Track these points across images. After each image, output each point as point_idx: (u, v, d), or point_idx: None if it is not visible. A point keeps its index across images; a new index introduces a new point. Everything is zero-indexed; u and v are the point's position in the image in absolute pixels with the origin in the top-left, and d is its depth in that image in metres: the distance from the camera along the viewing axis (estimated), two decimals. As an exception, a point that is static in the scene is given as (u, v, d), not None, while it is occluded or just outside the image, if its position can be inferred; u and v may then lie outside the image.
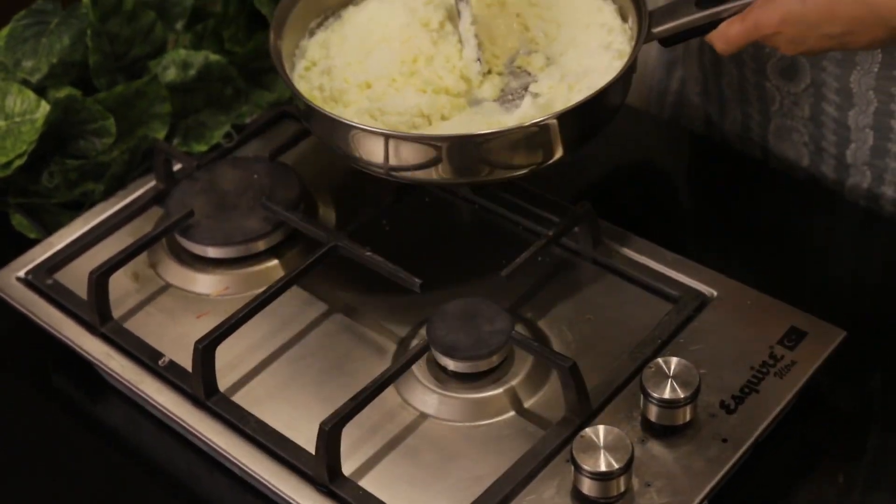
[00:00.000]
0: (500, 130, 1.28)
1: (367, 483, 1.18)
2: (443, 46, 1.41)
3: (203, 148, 1.57)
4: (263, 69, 1.63)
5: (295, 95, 1.35)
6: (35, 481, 1.31)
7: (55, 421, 1.36)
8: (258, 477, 1.21)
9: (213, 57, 1.58)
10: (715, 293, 1.33)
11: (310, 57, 1.45)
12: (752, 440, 1.19)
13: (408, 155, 1.30)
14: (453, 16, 1.43)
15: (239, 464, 1.22)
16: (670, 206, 1.56)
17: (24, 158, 1.47)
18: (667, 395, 1.18)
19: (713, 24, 1.34)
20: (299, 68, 1.44)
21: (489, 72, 1.42)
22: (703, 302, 1.32)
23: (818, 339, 1.27)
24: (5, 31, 1.55)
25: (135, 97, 1.53)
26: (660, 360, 1.20)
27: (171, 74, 1.57)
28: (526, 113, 1.36)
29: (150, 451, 1.32)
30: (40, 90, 1.52)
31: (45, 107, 1.48)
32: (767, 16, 1.29)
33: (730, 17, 1.32)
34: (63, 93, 1.50)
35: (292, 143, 1.52)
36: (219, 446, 1.24)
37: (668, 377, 1.19)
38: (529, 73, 1.43)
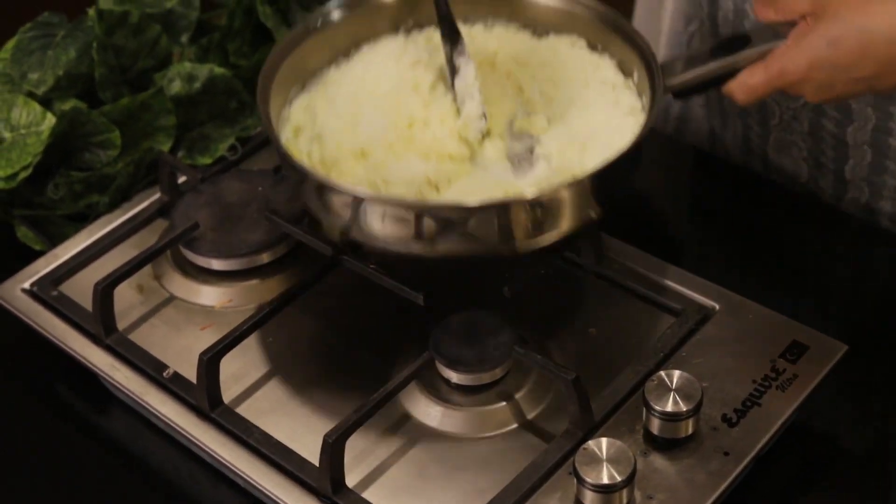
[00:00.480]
0: (550, 189, 1.21)
1: (370, 495, 1.19)
2: (436, 109, 1.35)
3: (208, 160, 1.57)
4: (268, 82, 1.63)
5: (292, 166, 1.26)
6: (39, 492, 1.31)
7: (60, 432, 1.37)
8: (262, 489, 1.21)
9: (218, 70, 1.58)
10: (717, 307, 1.33)
11: (295, 121, 1.36)
12: (753, 453, 1.20)
13: (439, 226, 1.21)
14: (444, 77, 1.37)
15: (243, 475, 1.23)
16: (673, 221, 1.57)
17: (30, 170, 1.48)
18: (669, 408, 1.19)
19: (731, 73, 1.28)
20: (286, 133, 1.35)
21: (488, 134, 1.36)
22: (705, 315, 1.33)
23: (820, 353, 1.28)
24: (12, 43, 1.56)
25: (140, 110, 1.54)
26: (662, 373, 1.20)
27: (176, 87, 1.58)
28: (541, 175, 1.31)
29: (154, 463, 1.33)
30: (46, 102, 1.53)
31: (50, 119, 1.48)
32: (794, 62, 1.24)
33: (749, 65, 1.27)
34: (68, 105, 1.50)
35: (297, 155, 1.53)
36: (223, 458, 1.24)
37: (670, 390, 1.19)
38: (531, 136, 1.37)
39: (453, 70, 1.34)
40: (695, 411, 1.19)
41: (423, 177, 1.29)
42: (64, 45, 1.55)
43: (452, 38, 1.35)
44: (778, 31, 1.27)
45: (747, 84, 1.27)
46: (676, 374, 1.20)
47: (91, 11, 1.56)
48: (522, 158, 1.34)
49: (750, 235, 1.51)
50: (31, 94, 1.52)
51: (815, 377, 1.26)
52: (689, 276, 1.36)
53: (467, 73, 1.34)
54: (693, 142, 1.77)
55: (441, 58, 1.37)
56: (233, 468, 1.23)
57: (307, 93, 1.39)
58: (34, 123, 1.49)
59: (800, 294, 1.44)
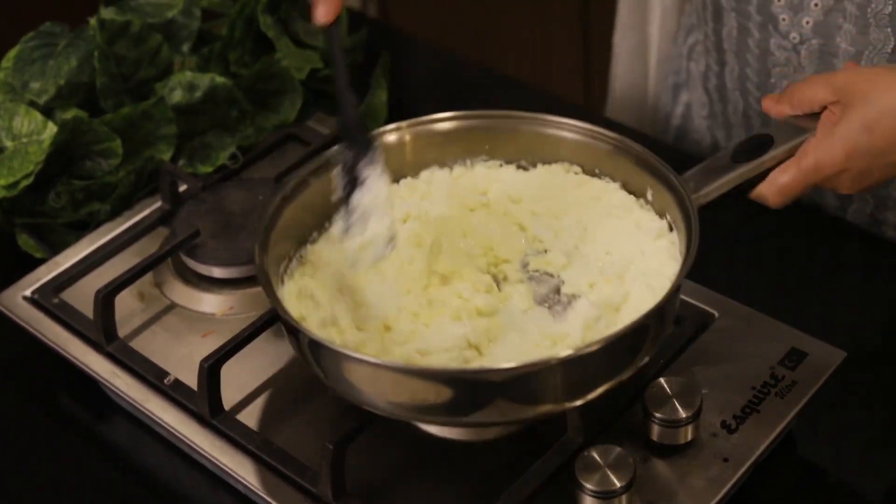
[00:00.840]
0: (615, 333, 1.12)
1: (373, 501, 1.19)
2: (449, 263, 1.29)
3: (208, 169, 1.58)
4: (269, 91, 1.64)
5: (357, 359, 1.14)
6: (41, 500, 1.31)
7: (61, 439, 1.37)
8: (263, 495, 1.21)
9: (219, 79, 1.59)
10: (717, 314, 1.34)
11: (296, 313, 1.23)
12: (752, 460, 1.20)
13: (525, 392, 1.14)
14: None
15: (244, 482, 1.23)
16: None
17: (31, 179, 1.48)
18: (669, 414, 1.19)
19: (757, 177, 1.23)
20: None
21: (504, 279, 1.31)
22: (705, 323, 1.33)
23: (819, 360, 1.28)
24: (13, 52, 1.57)
25: (141, 119, 1.54)
26: (662, 379, 1.21)
27: (177, 96, 1.58)
28: (587, 315, 1.23)
29: (155, 470, 1.33)
30: (47, 111, 1.53)
31: (51, 128, 1.49)
32: (830, 154, 1.20)
33: (776, 164, 1.23)
34: (70, 114, 1.51)
35: (297, 164, 1.53)
36: (224, 465, 1.24)
37: (670, 397, 1.20)
38: (551, 275, 1.31)
39: (353, 181, 1.23)
40: (694, 418, 1.19)
41: (462, 340, 1.22)
42: (65, 54, 1.55)
43: (360, 144, 1.25)
44: (798, 126, 1.25)
45: (780, 184, 1.22)
46: (676, 380, 1.21)
47: (92, 21, 1.57)
48: (553, 301, 1.29)
49: (750, 243, 1.52)
50: (32, 104, 1.53)
51: (814, 384, 1.26)
52: (689, 284, 1.36)
53: (378, 187, 1.23)
54: (694, 152, 1.77)
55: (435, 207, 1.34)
56: (234, 475, 1.24)
57: (292, 279, 1.28)
58: (35, 132, 1.50)
59: (799, 302, 1.44)
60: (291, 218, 1.28)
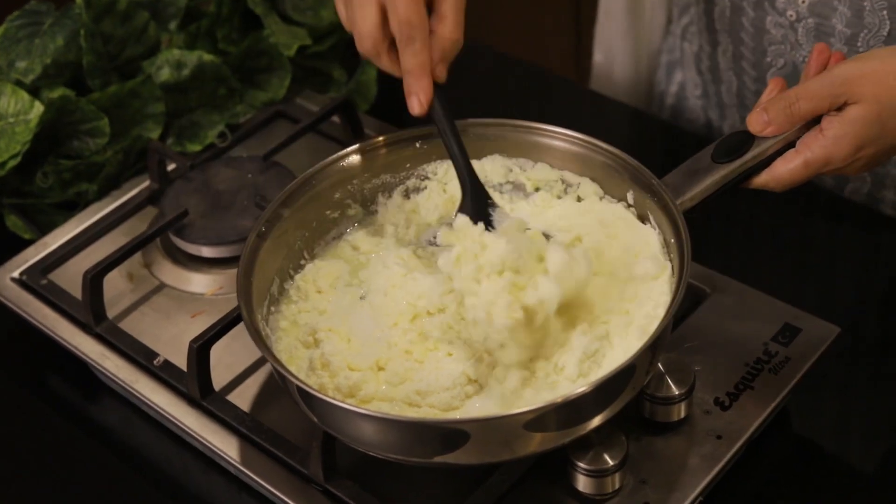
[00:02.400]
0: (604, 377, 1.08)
1: (363, 481, 1.18)
2: (431, 286, 1.24)
3: (197, 148, 1.57)
4: (257, 69, 1.63)
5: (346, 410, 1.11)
6: (29, 481, 1.31)
7: (50, 421, 1.37)
8: (254, 476, 1.21)
9: (207, 57, 1.57)
10: (709, 290, 1.33)
11: (286, 355, 1.21)
12: (746, 436, 1.20)
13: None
14: (424, 253, 1.29)
15: (234, 463, 1.22)
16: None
17: (18, 159, 1.47)
18: (662, 392, 1.18)
19: (741, 176, 1.21)
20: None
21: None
22: (698, 299, 1.32)
23: (812, 335, 1.27)
24: (-1, 31, 1.55)
25: (128, 97, 1.53)
26: (655, 356, 1.20)
27: (164, 74, 1.57)
28: (587, 347, 1.16)
29: (145, 451, 1.32)
30: (34, 91, 1.52)
31: (38, 107, 1.48)
32: (842, 150, 1.18)
33: (758, 164, 1.20)
34: (57, 93, 1.49)
35: (286, 142, 1.52)
36: (214, 446, 1.24)
37: (663, 374, 1.19)
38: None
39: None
40: (687, 395, 1.19)
41: (462, 377, 1.18)
42: (51, 33, 1.54)
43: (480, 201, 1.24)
44: None
45: (785, 176, 1.20)
46: (669, 358, 1.20)
47: (78, -1, 1.55)
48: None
49: (744, 219, 1.51)
50: (18, 83, 1.51)
51: (808, 360, 1.25)
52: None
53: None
54: (688, 130, 1.76)
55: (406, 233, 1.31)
56: (224, 456, 1.23)
57: (278, 317, 1.26)
58: (22, 112, 1.48)
59: (793, 278, 1.43)
60: (268, 255, 1.25)
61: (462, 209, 1.23)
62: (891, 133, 1.18)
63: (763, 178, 1.21)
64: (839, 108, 1.18)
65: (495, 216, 1.23)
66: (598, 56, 1.84)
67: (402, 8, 1.19)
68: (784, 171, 1.20)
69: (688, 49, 1.71)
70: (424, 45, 1.20)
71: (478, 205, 1.23)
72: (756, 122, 1.21)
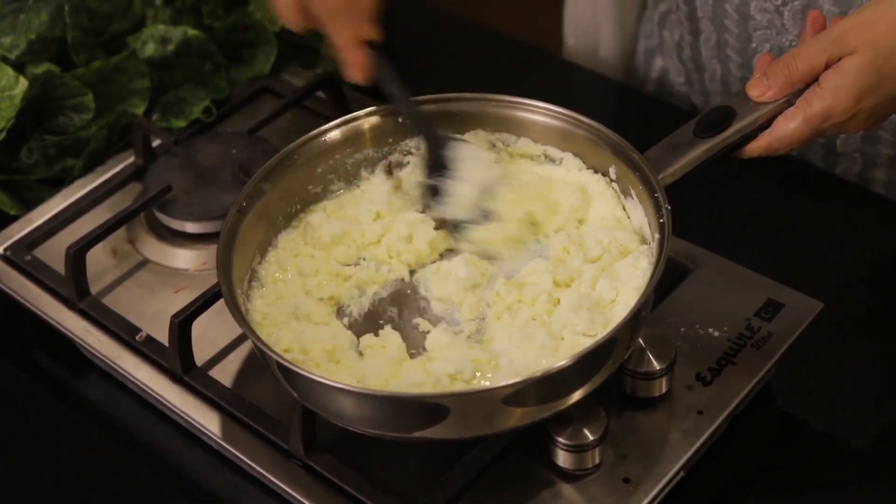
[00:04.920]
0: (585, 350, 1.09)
1: (343, 455, 1.18)
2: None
3: (182, 123, 1.56)
4: (243, 44, 1.62)
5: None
6: (13, 455, 1.31)
7: (33, 396, 1.37)
8: (235, 451, 1.21)
9: (192, 32, 1.57)
10: (692, 266, 1.33)
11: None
12: (727, 412, 1.19)
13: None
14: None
15: (216, 438, 1.22)
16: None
17: (3, 135, 1.47)
18: (643, 366, 1.18)
19: (723, 151, 1.21)
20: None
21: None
22: (680, 274, 1.32)
23: (795, 311, 1.27)
24: (-17, 7, 1.55)
25: (113, 73, 1.53)
26: (635, 332, 1.20)
27: (149, 50, 1.56)
28: (578, 303, 1.18)
29: (128, 426, 1.32)
30: (19, 66, 1.51)
31: (23, 83, 1.47)
32: (841, 102, 1.16)
33: (740, 138, 1.20)
34: (42, 69, 1.49)
35: (271, 118, 1.52)
36: (196, 421, 1.24)
37: (643, 349, 1.19)
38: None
39: (439, 170, 1.28)
40: (668, 370, 1.19)
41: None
42: (36, 8, 1.53)
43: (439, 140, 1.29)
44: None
45: (785, 134, 1.19)
46: (650, 333, 1.20)
47: (63, -26, 1.55)
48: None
49: (727, 195, 1.51)
50: (3, 59, 1.51)
51: (790, 335, 1.25)
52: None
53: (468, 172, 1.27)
54: (671, 105, 1.75)
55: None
56: (205, 431, 1.23)
57: (253, 303, 1.24)
58: (7, 88, 1.48)
59: (782, 256, 1.43)
60: (249, 230, 1.25)
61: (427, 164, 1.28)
62: (888, 81, 1.17)
63: (763, 142, 1.21)
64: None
65: (456, 154, 1.27)
66: (570, 40, 1.83)
67: None
68: (785, 130, 1.19)
69: (667, 37, 1.70)
70: (347, 17, 1.21)
71: (435, 155, 1.28)
72: (756, 87, 1.21)
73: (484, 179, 1.26)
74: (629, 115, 1.70)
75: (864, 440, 1.28)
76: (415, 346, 1.21)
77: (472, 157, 1.28)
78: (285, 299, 1.23)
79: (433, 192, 1.28)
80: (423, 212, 1.29)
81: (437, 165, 1.28)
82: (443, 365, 1.14)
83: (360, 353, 1.20)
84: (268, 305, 1.23)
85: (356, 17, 1.22)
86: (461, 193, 1.27)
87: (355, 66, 1.26)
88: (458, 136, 1.30)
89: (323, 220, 1.30)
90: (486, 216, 1.26)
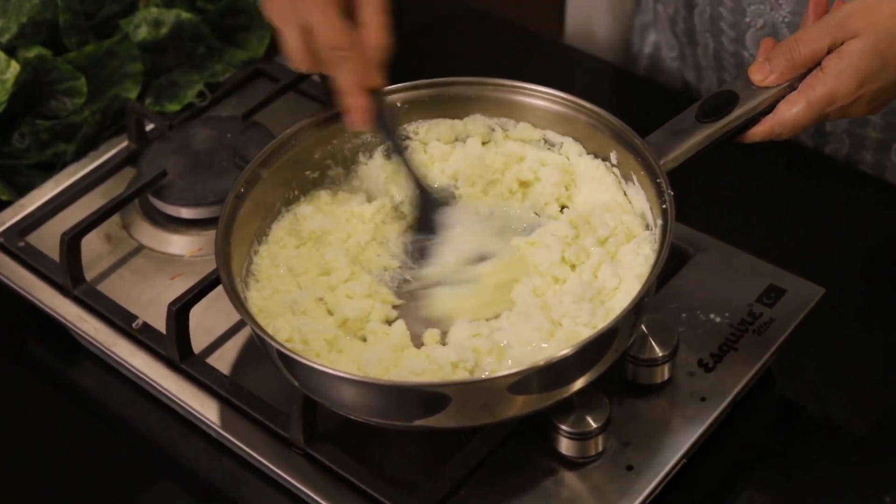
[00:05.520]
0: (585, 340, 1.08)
1: (344, 444, 1.17)
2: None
3: (176, 107, 1.55)
4: (236, 27, 1.61)
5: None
6: (8, 444, 1.30)
7: (28, 384, 1.35)
8: (234, 440, 1.20)
9: (185, 15, 1.55)
10: (693, 251, 1.32)
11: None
12: (730, 398, 1.19)
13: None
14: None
15: (215, 427, 1.21)
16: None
17: (-5, 119, 1.46)
18: (645, 353, 1.18)
19: (725, 136, 1.20)
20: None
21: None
22: (681, 260, 1.31)
23: (797, 296, 1.27)
24: (-27, -10, 1.53)
25: (106, 56, 1.51)
26: (638, 318, 1.19)
27: (142, 33, 1.55)
28: (578, 293, 1.17)
29: (124, 414, 1.31)
30: (10, 50, 1.50)
31: (15, 67, 1.46)
32: (844, 85, 1.16)
33: (742, 123, 1.19)
34: (33, 52, 1.48)
35: (266, 102, 1.51)
36: (194, 409, 1.23)
37: (646, 336, 1.18)
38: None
39: (428, 225, 1.26)
40: (670, 357, 1.18)
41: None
42: (28, -9, 1.52)
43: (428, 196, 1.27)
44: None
45: (788, 118, 1.18)
46: (652, 319, 1.19)
47: (54, -44, 1.53)
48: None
49: (727, 180, 1.50)
50: (-6, 42, 1.50)
51: (792, 321, 1.25)
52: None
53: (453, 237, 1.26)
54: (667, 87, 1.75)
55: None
56: (204, 419, 1.22)
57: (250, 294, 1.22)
58: (-2, 72, 1.47)
59: (780, 239, 1.42)
60: (247, 216, 1.24)
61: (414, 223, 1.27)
62: (891, 65, 1.16)
63: (765, 127, 1.20)
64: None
65: (443, 220, 1.25)
66: (570, 22, 1.82)
67: (323, 32, 1.17)
68: (788, 114, 1.18)
69: (661, 11, 1.69)
70: (355, 64, 1.19)
71: (425, 217, 1.26)
72: (758, 71, 1.20)
73: (471, 248, 1.24)
74: (627, 99, 1.69)
75: (863, 425, 1.27)
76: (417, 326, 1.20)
77: (463, 222, 1.26)
78: (281, 293, 1.22)
79: (416, 253, 1.26)
80: (400, 268, 1.26)
81: (425, 226, 1.26)
82: (445, 353, 1.12)
83: (363, 339, 1.18)
84: (264, 299, 1.21)
85: (364, 62, 1.20)
86: (445, 259, 1.24)
87: (357, 112, 1.22)
88: (453, 197, 1.29)
89: (310, 213, 1.28)
90: (463, 280, 1.23)
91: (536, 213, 1.29)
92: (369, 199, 1.31)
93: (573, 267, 1.21)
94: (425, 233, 1.26)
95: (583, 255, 1.21)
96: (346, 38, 1.18)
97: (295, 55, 1.20)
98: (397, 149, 1.27)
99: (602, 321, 1.14)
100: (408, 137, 1.33)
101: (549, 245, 1.21)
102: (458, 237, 1.25)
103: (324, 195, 1.30)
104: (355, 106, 1.22)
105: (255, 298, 1.21)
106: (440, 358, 1.12)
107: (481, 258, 1.23)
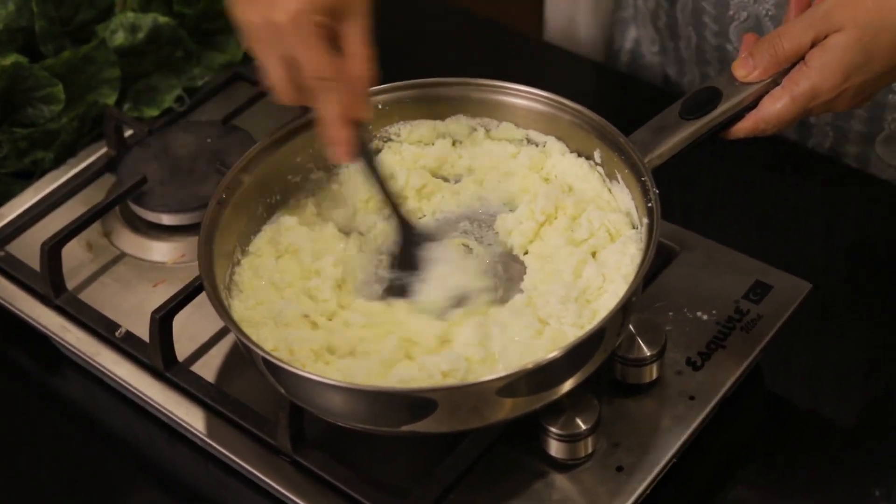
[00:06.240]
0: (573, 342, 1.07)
1: (332, 451, 1.17)
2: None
3: (154, 113, 1.54)
4: (214, 30, 1.60)
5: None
6: (-7, 458, 1.29)
7: (11, 395, 1.34)
8: (221, 448, 1.19)
9: (162, 19, 1.54)
10: (679, 249, 1.31)
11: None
12: (719, 397, 1.19)
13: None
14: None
15: (200, 435, 1.20)
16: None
17: (-28, 128, 1.44)
18: (633, 353, 1.17)
19: (710, 132, 1.19)
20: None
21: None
22: (667, 258, 1.31)
23: (784, 292, 1.26)
24: (-53, -3, 1.52)
25: (83, 63, 1.50)
26: (625, 318, 1.18)
27: (119, 38, 1.54)
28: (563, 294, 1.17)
29: (109, 424, 1.30)
30: (-14, 58, 1.49)
31: (-9, 75, 1.45)
32: (828, 79, 1.15)
33: (726, 120, 1.19)
34: (9, 60, 1.46)
35: (246, 105, 1.50)
36: (179, 417, 1.22)
37: (633, 336, 1.17)
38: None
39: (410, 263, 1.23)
40: (659, 356, 1.18)
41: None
42: (2, -2, 1.51)
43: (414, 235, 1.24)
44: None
45: (772, 114, 1.18)
46: (639, 318, 1.18)
47: (29, -38, 1.52)
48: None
49: (713, 176, 1.50)
50: (-31, 50, 1.49)
51: (779, 317, 1.24)
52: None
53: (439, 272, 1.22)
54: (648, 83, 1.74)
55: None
56: (189, 428, 1.21)
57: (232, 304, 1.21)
58: (-26, 80, 1.45)
59: (766, 235, 1.42)
60: (229, 222, 1.23)
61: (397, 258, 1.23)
62: (875, 59, 1.15)
63: (749, 123, 1.19)
64: None
65: (429, 255, 1.22)
66: (551, 20, 1.81)
67: (308, 62, 1.15)
68: (772, 110, 1.18)
69: (642, 6, 1.68)
70: (340, 94, 1.17)
71: (407, 252, 1.23)
72: (741, 67, 1.20)
73: (453, 286, 1.21)
74: (609, 96, 1.69)
75: (852, 420, 1.27)
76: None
77: (445, 260, 1.23)
78: (265, 304, 1.20)
79: (396, 290, 1.23)
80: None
81: (406, 263, 1.23)
82: (436, 361, 1.11)
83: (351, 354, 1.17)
84: (248, 309, 1.20)
85: (350, 92, 1.18)
86: (425, 296, 1.21)
87: (341, 144, 1.20)
88: (435, 235, 1.26)
89: (292, 225, 1.27)
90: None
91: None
92: (352, 214, 1.30)
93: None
94: (408, 269, 1.23)
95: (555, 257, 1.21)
96: (332, 67, 1.16)
97: (279, 88, 1.18)
98: (379, 182, 1.24)
99: (588, 322, 1.14)
100: (388, 139, 1.32)
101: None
102: (439, 273, 1.22)
103: (310, 206, 1.29)
104: (339, 138, 1.19)
105: (239, 308, 1.20)
106: (431, 366, 1.11)
107: (464, 299, 1.20)
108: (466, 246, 1.26)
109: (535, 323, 1.14)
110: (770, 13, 1.47)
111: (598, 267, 1.18)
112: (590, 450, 1.13)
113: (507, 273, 1.24)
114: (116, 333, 1.29)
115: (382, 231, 1.27)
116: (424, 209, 1.30)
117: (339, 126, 1.19)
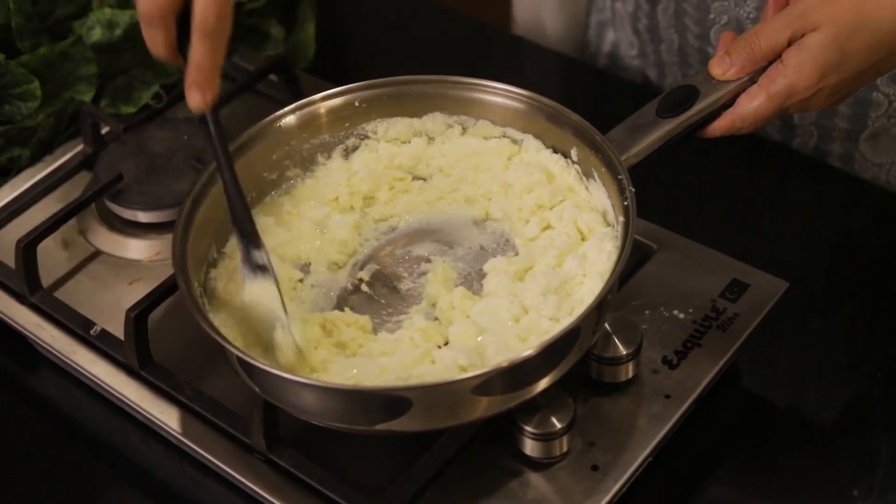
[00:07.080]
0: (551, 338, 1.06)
1: (307, 450, 1.16)
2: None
3: (131, 109, 1.53)
4: (191, 27, 1.59)
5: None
6: (-33, 456, 1.28)
7: (-14, 394, 1.34)
8: (195, 447, 1.19)
9: (140, 16, 1.53)
10: (655, 247, 1.31)
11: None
12: (695, 395, 1.18)
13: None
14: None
15: (175, 433, 1.20)
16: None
17: (-53, 125, 1.44)
18: (609, 352, 1.17)
19: (687, 131, 1.19)
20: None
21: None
22: (644, 256, 1.31)
23: (761, 291, 1.26)
24: (-77, -6, 1.51)
25: (60, 59, 1.49)
26: (601, 316, 1.18)
27: (96, 35, 1.53)
28: (545, 285, 1.16)
29: (84, 422, 1.30)
30: (-39, 54, 1.48)
31: (-34, 71, 1.44)
32: (804, 77, 1.15)
33: (702, 118, 1.19)
34: (-15, 56, 1.46)
35: (222, 102, 1.47)
36: (154, 416, 1.22)
37: (609, 334, 1.17)
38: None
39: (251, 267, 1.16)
40: (634, 355, 1.17)
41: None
42: (-22, -6, 1.50)
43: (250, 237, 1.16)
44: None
45: (748, 112, 1.18)
46: (615, 317, 1.18)
47: (5, -42, 1.51)
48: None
49: (689, 175, 1.50)
50: (-55, 47, 1.48)
51: (756, 316, 1.24)
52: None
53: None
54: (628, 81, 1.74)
55: None
56: (164, 426, 1.21)
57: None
58: (-50, 76, 1.45)
59: (745, 234, 1.42)
60: (204, 220, 1.22)
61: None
62: (851, 59, 1.15)
63: (726, 121, 1.19)
64: None
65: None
66: (518, 16, 1.81)
67: None
68: (748, 108, 1.18)
69: (621, 9, 1.68)
70: (222, 45, 1.12)
71: (247, 251, 1.16)
72: (718, 65, 1.20)
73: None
74: (583, 92, 1.68)
75: (829, 419, 1.27)
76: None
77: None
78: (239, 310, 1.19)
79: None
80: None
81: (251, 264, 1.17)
82: (453, 355, 1.11)
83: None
84: (224, 305, 1.19)
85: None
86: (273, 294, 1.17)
87: (207, 90, 1.13)
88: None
89: (268, 226, 1.26)
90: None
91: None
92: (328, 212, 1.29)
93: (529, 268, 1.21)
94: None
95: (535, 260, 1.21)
96: (229, 16, 1.11)
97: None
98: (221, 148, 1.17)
99: (567, 315, 1.13)
100: (365, 136, 1.31)
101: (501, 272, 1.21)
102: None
103: (285, 203, 1.29)
104: (205, 83, 1.12)
105: (215, 305, 1.19)
106: (448, 361, 1.11)
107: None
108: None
109: (516, 308, 1.15)
110: (751, 16, 1.47)
111: (578, 260, 1.18)
112: (565, 449, 1.13)
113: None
114: (92, 332, 1.28)
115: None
116: (395, 210, 1.30)
117: (209, 73, 1.12)
